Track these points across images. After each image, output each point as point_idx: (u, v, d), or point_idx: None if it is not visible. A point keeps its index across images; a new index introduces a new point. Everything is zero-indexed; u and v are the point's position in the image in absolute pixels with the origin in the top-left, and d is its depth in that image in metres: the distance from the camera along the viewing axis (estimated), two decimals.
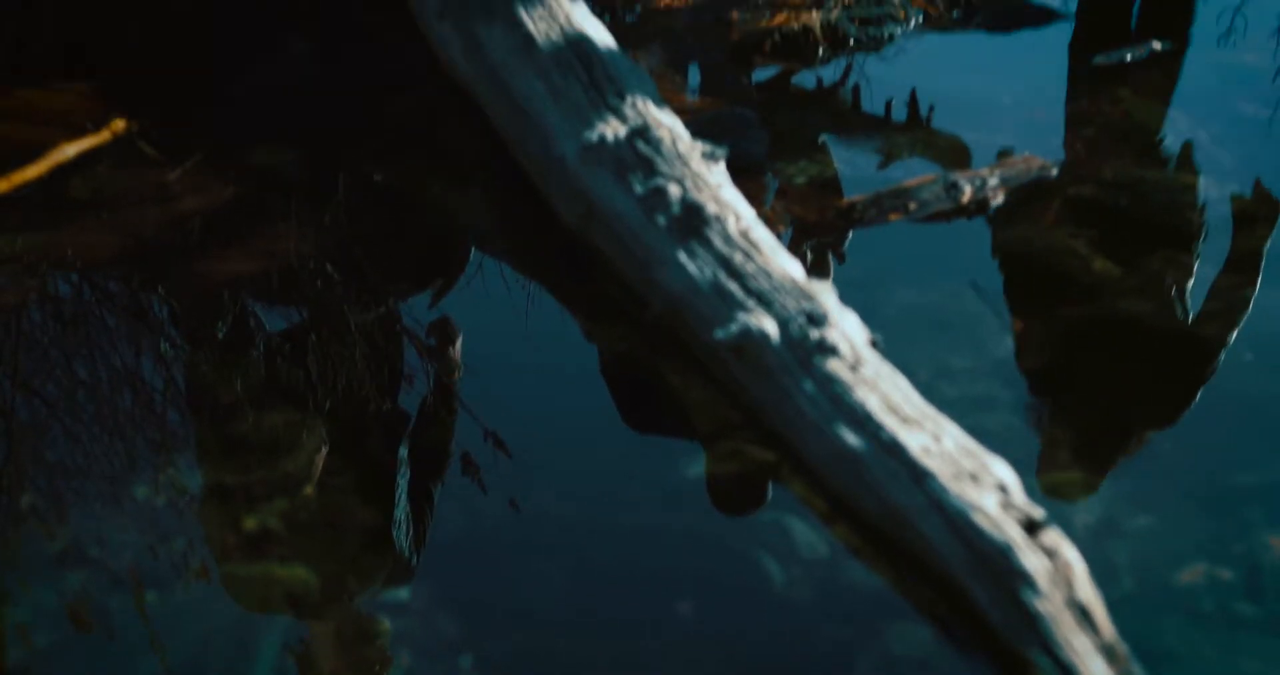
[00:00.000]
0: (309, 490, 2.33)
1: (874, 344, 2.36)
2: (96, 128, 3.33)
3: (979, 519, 1.99)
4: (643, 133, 2.80)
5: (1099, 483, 2.32)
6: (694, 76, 3.87)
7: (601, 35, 3.21)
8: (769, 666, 2.00)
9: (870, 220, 3.07)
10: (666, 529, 2.25)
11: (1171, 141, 3.47)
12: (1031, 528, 1.99)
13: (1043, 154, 3.31)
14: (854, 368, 2.27)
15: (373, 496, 2.34)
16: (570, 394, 2.61)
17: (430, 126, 3.49)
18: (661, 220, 2.61)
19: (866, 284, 2.85)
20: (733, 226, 2.57)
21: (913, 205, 3.11)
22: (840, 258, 3.00)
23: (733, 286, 2.47)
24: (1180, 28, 3.97)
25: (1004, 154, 3.32)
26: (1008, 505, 2.03)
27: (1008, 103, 3.71)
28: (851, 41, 3.99)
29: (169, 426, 2.50)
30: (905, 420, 2.18)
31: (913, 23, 4.09)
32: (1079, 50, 3.98)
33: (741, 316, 2.39)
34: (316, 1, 3.94)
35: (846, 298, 2.44)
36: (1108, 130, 3.52)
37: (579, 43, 3.13)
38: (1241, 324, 2.73)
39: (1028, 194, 3.17)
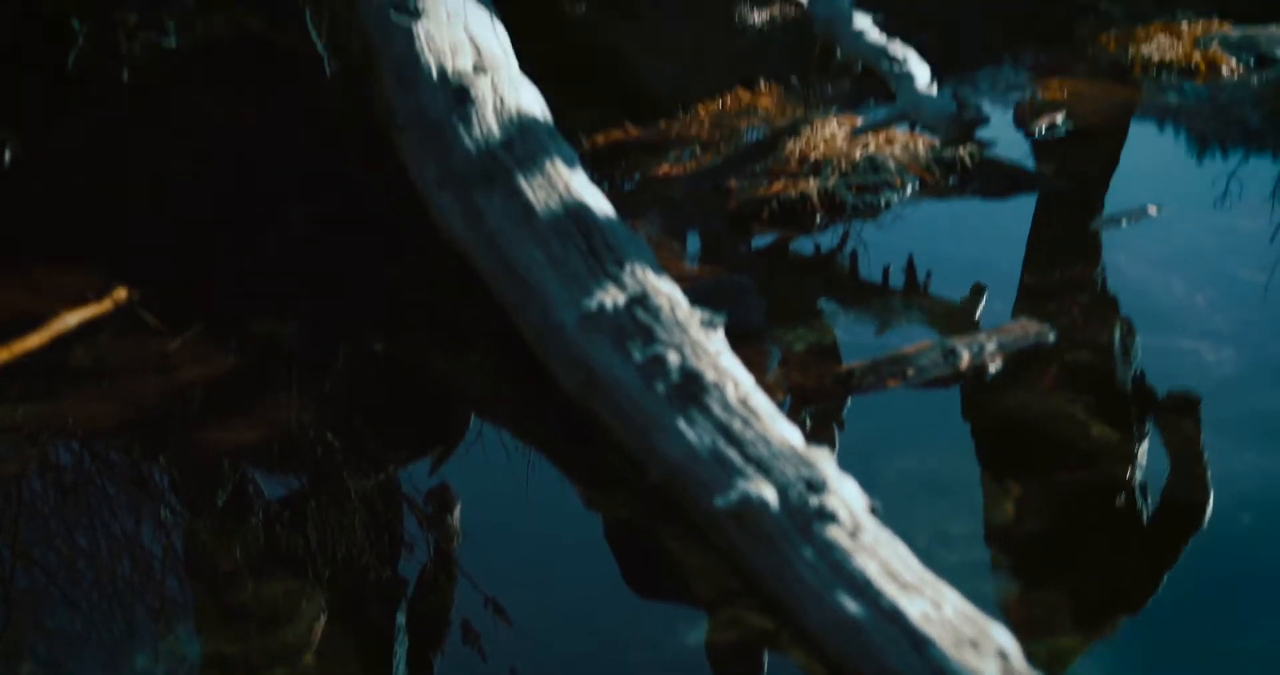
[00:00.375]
0: (308, 659, 2.39)
1: (873, 510, 2.43)
2: (98, 297, 3.46)
3: None
4: (642, 300, 2.92)
5: (1100, 648, 2.39)
6: (692, 244, 4.01)
7: (600, 203, 3.35)
8: None
9: (868, 387, 3.18)
10: None
11: (1168, 306, 3.59)
12: None
13: (1039, 319, 3.43)
14: (853, 534, 2.35)
15: (372, 665, 2.41)
16: (570, 561, 2.69)
17: (429, 293, 3.62)
18: (661, 388, 2.71)
19: (865, 450, 2.94)
20: (731, 394, 2.67)
21: (911, 371, 3.22)
22: (839, 424, 3.11)
23: (732, 454, 2.55)
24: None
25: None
26: (1009, 672, 2.09)
27: (1005, 268, 3.85)
28: (849, 208, 4.13)
29: (168, 595, 2.57)
30: (905, 587, 2.25)
31: (909, 190, 4.24)
32: (1074, 215, 4.14)
33: (741, 483, 2.47)
34: (316, 171, 4.11)
35: (845, 464, 2.52)
36: (1104, 295, 3.65)
37: (578, 211, 3.26)
38: (1239, 488, 2.82)
39: (1025, 359, 3.28)
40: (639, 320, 2.88)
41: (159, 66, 4.31)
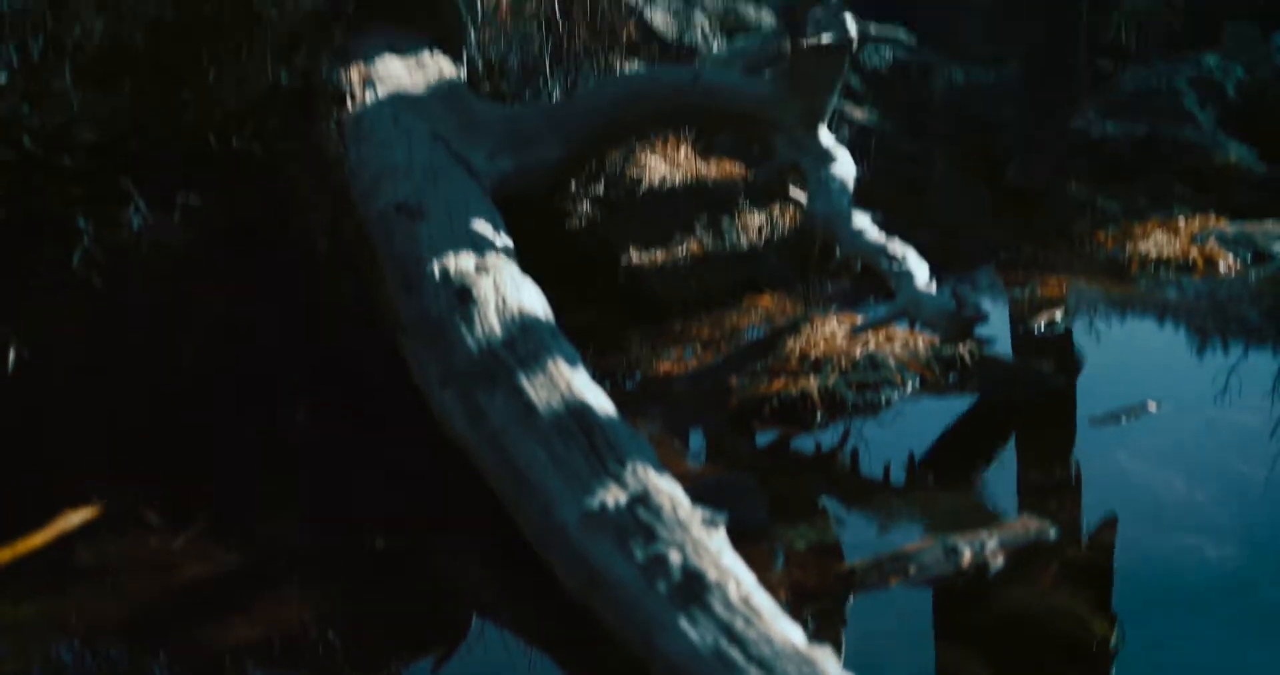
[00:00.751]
0: None
1: None
2: (101, 496, 3.58)
3: None
4: (643, 499, 3.02)
5: None
6: (694, 442, 4.12)
7: (602, 402, 3.46)
8: None
9: (871, 585, 3.27)
10: None
11: (1169, 501, 3.70)
12: None
13: (1040, 515, 3.53)
14: None
15: None
16: None
17: (430, 489, 3.73)
18: (662, 587, 2.80)
19: (868, 648, 3.01)
20: (733, 592, 2.75)
21: (913, 569, 3.31)
22: (842, 622, 3.18)
23: (734, 653, 2.62)
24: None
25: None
26: None
27: (1005, 464, 3.96)
28: (849, 406, 4.25)
29: None
30: None
31: (909, 387, 4.37)
32: (1073, 411, 4.28)
33: None
34: (320, 366, 4.24)
35: (848, 663, 2.59)
36: (1104, 491, 3.75)
37: (580, 410, 3.37)
38: None
39: (1026, 556, 3.37)
40: (641, 519, 2.97)
41: (163, 263, 4.45)
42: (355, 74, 4.78)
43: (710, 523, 2.99)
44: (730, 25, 7.00)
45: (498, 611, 3.29)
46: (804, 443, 4.14)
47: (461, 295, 3.79)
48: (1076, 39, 6.39)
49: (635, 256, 5.16)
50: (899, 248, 4.60)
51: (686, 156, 5.62)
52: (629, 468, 3.13)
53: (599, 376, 3.73)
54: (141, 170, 4.47)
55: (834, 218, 4.82)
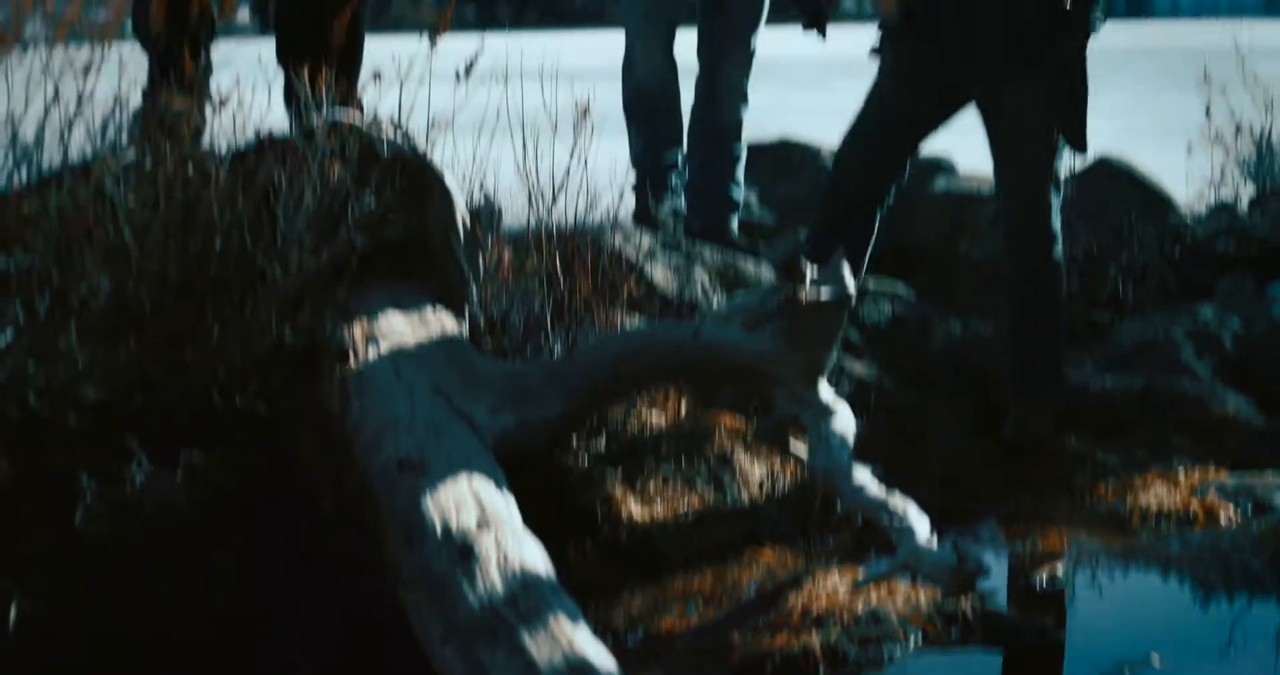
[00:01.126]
0: None
1: None
2: None
3: None
4: None
5: None
6: None
7: (604, 659, 3.52)
8: None
9: None
10: None
11: None
12: None
13: None
14: None
15: None
16: None
17: None
18: None
19: None
20: None
21: None
22: None
23: None
24: None
25: None
26: None
27: None
28: (851, 661, 4.30)
29: None
30: None
31: (912, 642, 4.43)
32: (1076, 666, 4.35)
33: None
34: (321, 625, 4.32)
35: None
36: None
37: (581, 668, 3.43)
38: None
39: None
40: None
41: (166, 519, 4.53)
42: (359, 330, 4.90)
43: None
44: (730, 280, 7.20)
45: None
46: None
47: (463, 552, 3.85)
48: (1064, 294, 6.56)
49: (636, 511, 5.25)
50: (900, 502, 4.68)
51: (687, 410, 5.76)
52: None
53: (601, 632, 3.79)
54: (145, 428, 4.58)
55: (834, 472, 4.92)
